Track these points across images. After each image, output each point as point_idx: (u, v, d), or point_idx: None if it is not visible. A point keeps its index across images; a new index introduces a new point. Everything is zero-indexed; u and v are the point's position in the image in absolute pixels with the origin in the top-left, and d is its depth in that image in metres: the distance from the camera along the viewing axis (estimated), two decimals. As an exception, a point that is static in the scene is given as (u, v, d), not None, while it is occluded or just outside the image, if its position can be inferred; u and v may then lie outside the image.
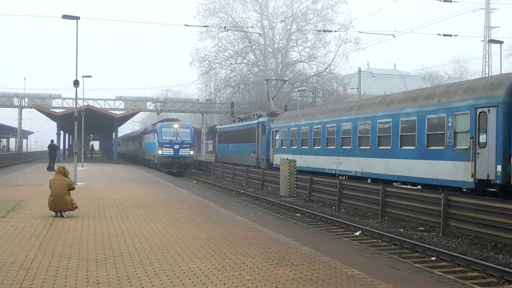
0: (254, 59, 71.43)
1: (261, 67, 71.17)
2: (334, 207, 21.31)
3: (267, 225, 13.87)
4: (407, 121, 20.22)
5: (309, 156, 28.83)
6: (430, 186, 18.73)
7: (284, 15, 66.68)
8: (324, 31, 57.38)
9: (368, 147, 22.81)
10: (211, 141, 71.67)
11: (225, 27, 54.27)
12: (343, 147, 25.12)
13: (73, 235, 11.19)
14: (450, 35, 37.31)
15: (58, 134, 54.92)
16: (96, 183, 26.14)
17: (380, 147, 21.93)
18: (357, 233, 15.81)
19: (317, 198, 23.53)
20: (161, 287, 7.30)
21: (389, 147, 21.26)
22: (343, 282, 7.81)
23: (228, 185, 33.14)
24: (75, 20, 26.12)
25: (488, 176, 15.91)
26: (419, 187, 19.46)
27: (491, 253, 12.95)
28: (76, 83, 26.41)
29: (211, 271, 8.22)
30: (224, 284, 7.51)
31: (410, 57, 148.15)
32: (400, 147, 20.49)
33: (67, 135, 75.50)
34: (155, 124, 48.68)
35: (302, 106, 58.70)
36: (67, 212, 13.99)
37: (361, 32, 64.88)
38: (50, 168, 35.22)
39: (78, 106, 29.95)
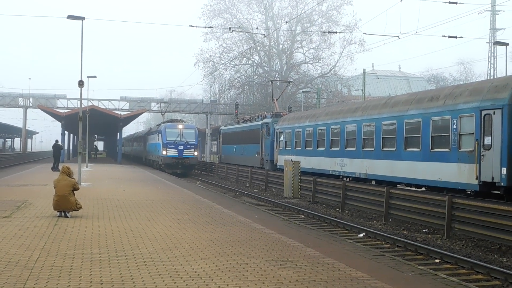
0: (259, 60, 71.45)
1: (265, 68, 71.18)
2: (338, 209, 21.28)
3: (270, 226, 13.86)
4: (412, 123, 20.19)
5: (313, 157, 28.81)
6: (434, 188, 18.70)
7: (289, 16, 66.72)
8: (329, 32, 57.29)
9: (373, 149, 22.78)
10: (215, 142, 71.75)
11: (229, 28, 54.28)
12: (348, 149, 25.09)
13: (77, 235, 11.21)
14: (455, 37, 37.26)
15: (63, 134, 54.99)
16: (100, 183, 26.18)
17: (385, 149, 21.90)
18: (361, 235, 15.79)
19: (321, 200, 23.51)
20: (164, 287, 7.30)
21: (394, 149, 21.22)
22: (346, 284, 7.80)
23: (232, 186, 33.15)
24: (80, 21, 26.18)
25: (492, 178, 15.86)
26: (423, 189, 19.44)
27: (495, 255, 12.91)
28: (81, 83, 26.47)
29: (215, 272, 8.22)
30: (228, 285, 7.51)
31: (415, 58, 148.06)
32: (405, 149, 20.46)
33: (71, 135, 75.64)
34: (160, 124, 48.73)
35: (306, 107, 58.68)
36: (71, 212, 14.01)
37: (366, 33, 64.61)
38: (55, 168, 35.31)
39: (82, 106, 30.00)
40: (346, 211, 20.76)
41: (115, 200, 18.34)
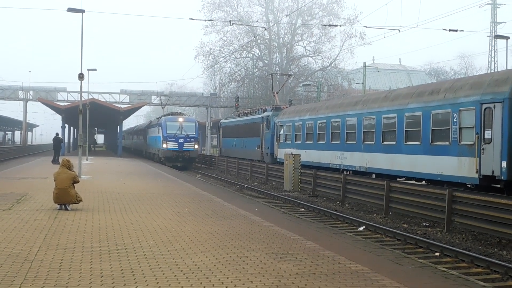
0: (259, 54, 71.32)
1: (266, 61, 71.05)
2: (338, 202, 21.30)
3: (271, 219, 13.87)
4: (412, 116, 20.16)
5: (313, 151, 28.80)
6: (434, 181, 18.69)
7: (289, 10, 66.50)
8: (330, 25, 57.14)
9: (373, 142, 22.77)
10: (216, 135, 71.72)
11: (230, 21, 54.11)
12: (348, 142, 25.08)
13: (77, 228, 11.22)
14: (456, 30, 37.14)
15: (63, 127, 54.94)
16: (100, 176, 26.19)
17: (385, 142, 21.89)
18: (361, 228, 15.80)
19: (321, 193, 23.52)
20: (164, 280, 7.31)
21: (394, 143, 21.21)
22: (346, 277, 7.81)
23: (232, 179, 33.17)
24: (81, 13, 26.13)
25: (493, 172, 15.85)
26: (423, 182, 19.44)
27: (495, 249, 12.92)
28: (81, 76, 26.44)
29: (215, 265, 8.22)
30: (228, 278, 7.51)
31: (416, 52, 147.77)
32: (405, 142, 20.44)
33: (72, 128, 75.60)
34: (160, 118, 48.71)
35: (307, 100, 58.60)
36: (71, 205, 14.02)
37: (366, 26, 64.31)
38: (55, 161, 35.32)
39: (83, 99, 29.97)
40: (346, 205, 20.77)
41: (115, 193, 18.35)
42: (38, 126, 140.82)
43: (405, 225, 16.32)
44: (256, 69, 71.58)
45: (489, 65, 63.94)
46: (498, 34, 55.09)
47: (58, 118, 60.66)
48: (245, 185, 29.03)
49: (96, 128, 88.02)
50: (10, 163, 40.25)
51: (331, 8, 67.96)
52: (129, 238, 10.30)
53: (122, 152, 58.97)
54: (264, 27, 63.73)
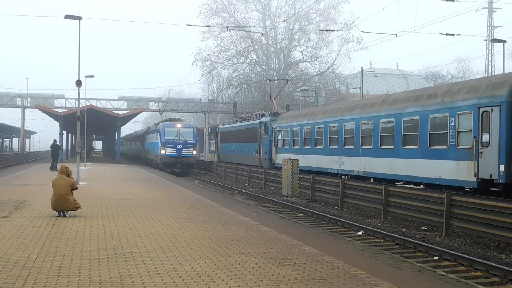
0: (257, 59, 71.43)
1: (263, 66, 71.16)
2: (336, 207, 21.29)
3: (269, 224, 13.87)
4: (410, 120, 20.19)
5: (311, 155, 28.81)
6: (433, 185, 18.71)
7: (286, 15, 66.69)
8: (327, 30, 57.34)
9: (371, 147, 22.78)
10: (214, 140, 71.74)
11: (227, 27, 54.25)
12: (346, 147, 25.09)
13: (76, 235, 11.21)
14: (453, 35, 37.23)
15: (61, 134, 54.87)
16: (98, 183, 26.16)
17: (383, 147, 21.90)
18: (360, 233, 15.80)
19: (320, 198, 23.52)
20: (163, 286, 7.30)
21: (392, 147, 21.23)
22: (345, 282, 7.80)
23: (230, 185, 33.15)
24: (78, 20, 26.16)
25: (491, 175, 15.87)
26: (422, 186, 19.44)
27: (494, 252, 12.93)
28: (78, 83, 26.44)
29: (214, 271, 8.22)
30: (227, 283, 7.51)
31: (413, 56, 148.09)
32: (403, 146, 20.46)
33: (69, 135, 75.54)
34: (158, 124, 48.70)
35: (304, 105, 58.67)
36: (69, 211, 14.01)
37: (363, 31, 64.58)
38: (53, 168, 35.28)
39: (80, 106, 29.97)
40: (345, 209, 20.76)
41: (113, 200, 18.33)
42: (36, 133, 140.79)
43: (403, 229, 16.32)
44: (254, 75, 71.69)
45: (486, 69, 64.05)
46: (494, 38, 55.26)
47: (56, 125, 60.60)
48: (244, 191, 29.01)
49: (94, 135, 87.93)
50: (8, 170, 40.19)
51: (328, 13, 68.21)
52: (127, 244, 10.29)
53: (120, 159, 58.90)
54: (261, 33, 63.87)
